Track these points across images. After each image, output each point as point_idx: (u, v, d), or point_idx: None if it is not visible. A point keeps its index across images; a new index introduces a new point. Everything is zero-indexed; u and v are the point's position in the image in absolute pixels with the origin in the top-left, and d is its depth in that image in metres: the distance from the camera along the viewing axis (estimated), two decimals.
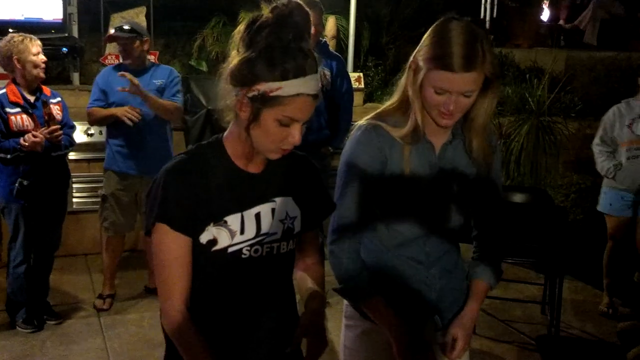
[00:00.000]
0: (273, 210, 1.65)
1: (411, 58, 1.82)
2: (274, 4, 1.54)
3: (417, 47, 1.81)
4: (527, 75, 6.63)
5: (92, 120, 4.29)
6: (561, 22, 9.78)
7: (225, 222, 1.59)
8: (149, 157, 4.15)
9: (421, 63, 1.77)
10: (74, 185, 5.15)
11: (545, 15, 10.08)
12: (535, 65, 7.30)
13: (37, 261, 4.00)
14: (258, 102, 1.52)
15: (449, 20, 1.77)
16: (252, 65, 1.52)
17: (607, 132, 4.42)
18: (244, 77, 1.53)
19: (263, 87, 1.51)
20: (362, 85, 7.17)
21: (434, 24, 1.80)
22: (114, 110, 4.11)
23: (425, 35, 1.80)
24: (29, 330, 3.98)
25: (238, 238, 1.61)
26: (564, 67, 7.48)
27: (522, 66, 7.54)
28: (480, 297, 2.01)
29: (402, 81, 1.87)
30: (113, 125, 4.20)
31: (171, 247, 1.58)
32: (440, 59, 1.72)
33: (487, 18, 8.34)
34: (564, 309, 4.33)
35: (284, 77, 1.50)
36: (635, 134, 4.29)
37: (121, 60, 4.33)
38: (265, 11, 1.54)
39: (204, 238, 1.59)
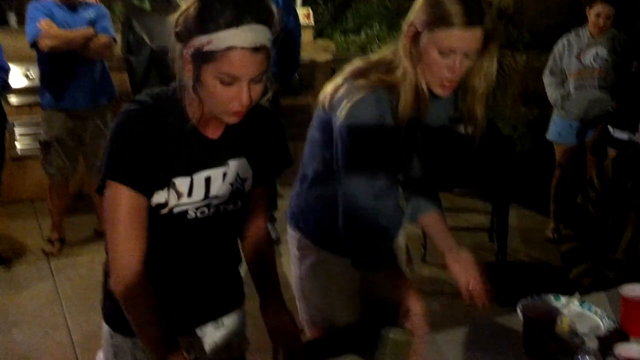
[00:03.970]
0: (224, 174, 1.59)
1: (405, 28, 1.75)
2: None
3: (409, 15, 1.75)
4: None
5: (50, 43, 3.92)
6: None
7: (174, 183, 1.53)
8: (91, 86, 4.08)
9: (421, 28, 1.71)
10: (16, 131, 5.02)
11: None
12: None
13: None
14: (196, 60, 1.41)
15: None
16: (187, 18, 1.41)
17: (556, 63, 4.49)
18: (181, 32, 1.43)
19: (197, 42, 1.40)
20: (312, 22, 7.07)
21: None
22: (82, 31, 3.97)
23: (418, 1, 1.74)
24: None
25: (185, 200, 1.55)
26: None
27: None
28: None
29: (388, 54, 1.81)
30: (49, 60, 4.03)
31: (126, 204, 1.49)
32: (444, 18, 1.67)
33: None
34: (511, 236, 4.45)
35: (215, 29, 1.38)
36: (583, 65, 4.35)
37: None
38: None
39: (154, 201, 1.52)
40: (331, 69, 5.18)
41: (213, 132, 1.57)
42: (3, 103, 4.12)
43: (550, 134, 4.66)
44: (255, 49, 1.40)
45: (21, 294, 3.79)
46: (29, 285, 3.89)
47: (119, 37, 4.33)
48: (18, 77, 4.85)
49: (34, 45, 3.94)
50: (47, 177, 4.27)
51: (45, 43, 3.90)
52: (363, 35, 6.61)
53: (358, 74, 1.81)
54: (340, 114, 1.78)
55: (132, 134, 1.48)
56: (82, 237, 4.48)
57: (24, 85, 4.94)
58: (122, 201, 1.48)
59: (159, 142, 1.49)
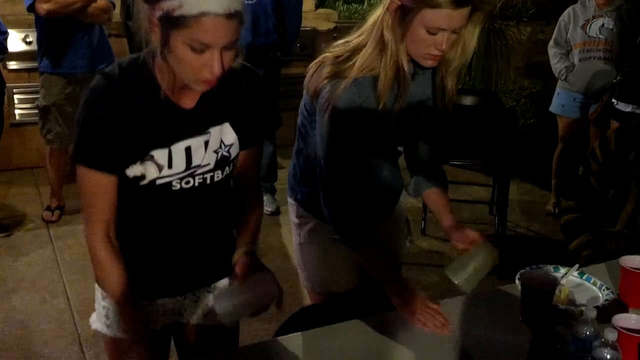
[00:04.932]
0: (206, 142, 1.54)
1: (386, 1, 1.70)
2: None
3: None
4: None
5: (47, 7, 3.84)
6: None
7: (152, 156, 1.49)
8: (89, 52, 4.03)
9: (407, 2, 1.66)
10: (15, 97, 4.99)
11: None
12: None
13: None
14: (165, 24, 1.34)
15: None
16: None
17: (561, 34, 4.43)
18: None
19: (166, 4, 1.32)
20: None
21: None
22: None
23: None
24: None
25: (166, 172, 1.52)
26: None
27: None
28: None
29: (371, 23, 1.76)
30: (47, 24, 3.97)
31: (92, 184, 1.50)
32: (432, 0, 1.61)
33: None
34: (512, 210, 4.43)
35: None
36: (589, 35, 4.29)
37: None
38: None
39: (130, 173, 1.49)
40: (333, 37, 5.12)
41: (187, 102, 1.51)
42: (1, 68, 4.07)
43: (554, 107, 4.61)
44: (230, 15, 1.34)
45: (20, 261, 3.79)
46: (28, 252, 3.89)
47: (118, 3, 4.27)
48: (17, 42, 4.80)
49: (32, 8, 3.88)
50: (46, 143, 4.24)
51: (42, 7, 3.84)
52: (366, 3, 6.53)
53: (339, 62, 1.76)
54: (322, 105, 1.76)
55: (97, 114, 1.44)
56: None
57: (23, 50, 4.88)
58: (89, 181, 1.50)
59: (128, 116, 1.44)
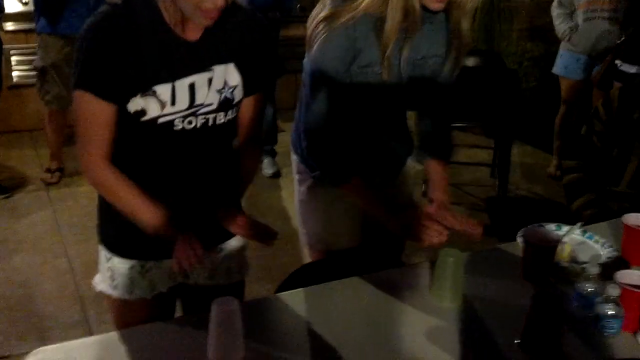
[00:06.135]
0: (210, 80, 1.52)
1: None
2: None
3: None
4: None
5: None
6: None
7: (154, 91, 1.46)
8: (87, 12, 3.88)
9: None
10: (13, 58, 4.94)
11: None
12: None
13: None
14: None
15: None
16: None
17: None
18: None
19: None
20: None
21: None
22: None
23: None
24: None
25: (169, 109, 1.49)
26: None
27: None
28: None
29: None
30: None
31: (93, 109, 1.47)
32: None
33: None
34: (513, 172, 4.42)
35: None
36: None
37: None
38: None
39: (131, 107, 1.47)
40: None
41: (191, 34, 1.49)
42: None
43: (557, 68, 4.56)
44: None
45: (21, 222, 3.79)
46: (29, 214, 3.89)
47: None
48: (13, 2, 4.73)
49: None
50: (45, 105, 4.21)
51: None
52: None
53: (341, 2, 1.72)
54: (312, 39, 1.74)
55: (100, 38, 1.43)
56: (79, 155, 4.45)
57: (19, 11, 4.82)
58: (87, 108, 1.48)
59: (131, 44, 1.43)
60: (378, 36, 1.71)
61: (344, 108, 1.83)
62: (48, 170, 4.31)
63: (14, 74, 4.98)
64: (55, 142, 4.28)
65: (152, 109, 1.48)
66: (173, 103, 1.49)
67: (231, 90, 1.57)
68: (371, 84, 1.79)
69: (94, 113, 1.47)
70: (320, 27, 1.72)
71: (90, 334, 2.74)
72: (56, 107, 4.16)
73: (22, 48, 4.90)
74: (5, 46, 4.25)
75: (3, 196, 4.05)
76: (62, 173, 4.32)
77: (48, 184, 4.24)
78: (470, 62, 4.24)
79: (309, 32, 1.79)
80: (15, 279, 3.22)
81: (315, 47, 1.75)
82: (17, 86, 5.00)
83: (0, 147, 4.46)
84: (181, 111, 1.51)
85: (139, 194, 1.52)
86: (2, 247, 3.51)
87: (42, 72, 4.11)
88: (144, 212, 1.52)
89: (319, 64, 1.76)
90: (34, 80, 4.34)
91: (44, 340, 2.67)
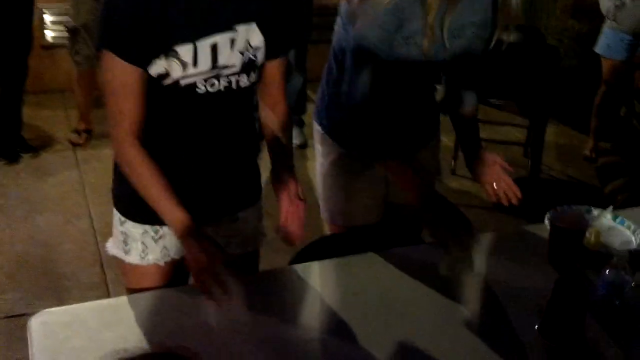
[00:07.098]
0: (233, 40, 1.48)
1: None
2: None
3: None
4: None
5: None
6: None
7: (176, 52, 1.43)
8: None
9: None
10: (46, 18, 4.93)
11: None
12: None
13: (6, 93, 3.89)
14: None
15: None
16: None
17: None
18: None
19: None
20: None
21: None
22: None
23: None
24: (2, 162, 3.93)
25: (191, 70, 1.45)
26: None
27: None
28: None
29: None
30: None
31: (119, 75, 1.44)
32: None
33: None
34: (547, 153, 4.30)
35: None
36: None
37: None
38: None
39: (153, 70, 1.44)
40: None
41: None
42: None
43: (599, 47, 4.39)
44: None
45: (46, 182, 3.81)
46: (55, 174, 3.91)
47: None
48: None
49: None
50: (74, 65, 4.20)
51: None
52: None
53: None
54: (354, 26, 1.68)
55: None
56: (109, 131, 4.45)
57: None
58: (114, 72, 1.44)
59: (152, 3, 1.39)
60: (423, 5, 1.65)
61: (386, 81, 1.77)
62: (76, 131, 4.32)
63: (48, 33, 4.98)
64: (84, 104, 4.28)
65: (175, 70, 1.44)
66: (195, 64, 1.45)
67: (254, 51, 1.53)
68: (412, 56, 1.72)
69: (120, 78, 1.44)
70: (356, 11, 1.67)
71: (108, 295, 2.75)
72: (86, 67, 4.16)
73: (56, 8, 4.89)
74: (39, 4, 4.24)
75: (30, 154, 4.07)
76: (89, 135, 4.33)
77: (75, 145, 4.25)
78: (511, 37, 4.10)
79: (352, 5, 1.72)
80: (37, 238, 3.24)
81: (360, 19, 1.68)
82: (51, 46, 5.01)
83: (30, 106, 4.47)
84: (203, 72, 1.47)
85: (164, 189, 1.48)
86: (26, 206, 3.53)
87: (73, 33, 4.09)
88: (167, 210, 1.49)
89: (365, 35, 1.69)
90: (67, 40, 4.34)
91: (61, 301, 2.68)
